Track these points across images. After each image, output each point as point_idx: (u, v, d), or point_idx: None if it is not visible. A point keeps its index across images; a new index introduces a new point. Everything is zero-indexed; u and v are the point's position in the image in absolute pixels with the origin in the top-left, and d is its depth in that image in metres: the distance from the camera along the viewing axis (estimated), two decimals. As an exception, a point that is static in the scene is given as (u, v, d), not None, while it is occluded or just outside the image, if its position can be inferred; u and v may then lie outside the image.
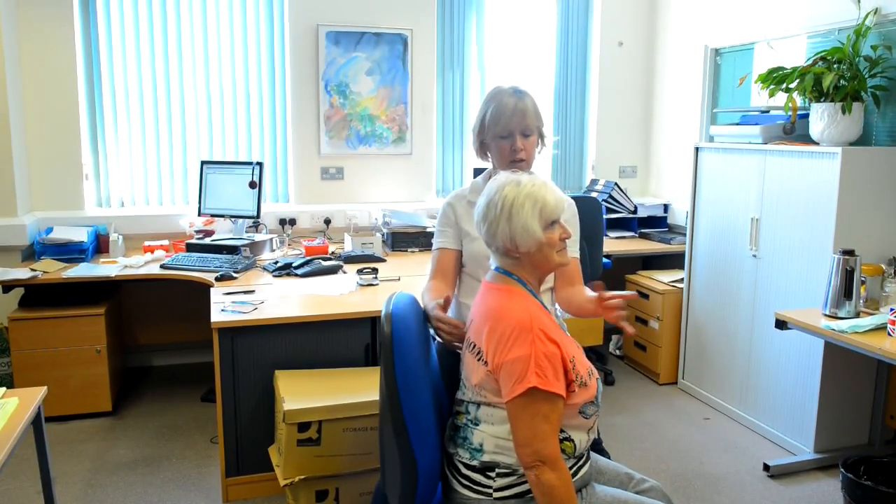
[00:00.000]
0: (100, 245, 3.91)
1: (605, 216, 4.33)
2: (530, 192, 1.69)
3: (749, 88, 3.91)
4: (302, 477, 2.43)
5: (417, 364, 1.68)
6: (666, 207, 4.73)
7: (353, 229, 4.30)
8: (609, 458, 2.19)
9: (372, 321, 2.85)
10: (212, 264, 3.45)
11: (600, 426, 2.98)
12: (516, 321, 1.62)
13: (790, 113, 3.29)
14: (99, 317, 3.41)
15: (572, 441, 1.67)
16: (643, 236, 4.59)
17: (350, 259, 3.69)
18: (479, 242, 1.87)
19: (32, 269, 3.43)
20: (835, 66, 3.09)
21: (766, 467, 3.05)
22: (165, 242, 3.90)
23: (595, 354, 4.26)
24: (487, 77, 4.67)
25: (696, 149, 3.81)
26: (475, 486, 1.68)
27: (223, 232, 4.04)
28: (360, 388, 2.56)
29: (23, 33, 3.83)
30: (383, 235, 4.14)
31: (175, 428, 3.42)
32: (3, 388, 2.08)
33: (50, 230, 3.77)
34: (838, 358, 3.04)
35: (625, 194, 4.65)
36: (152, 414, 3.58)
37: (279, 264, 3.45)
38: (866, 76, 3.08)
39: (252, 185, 3.87)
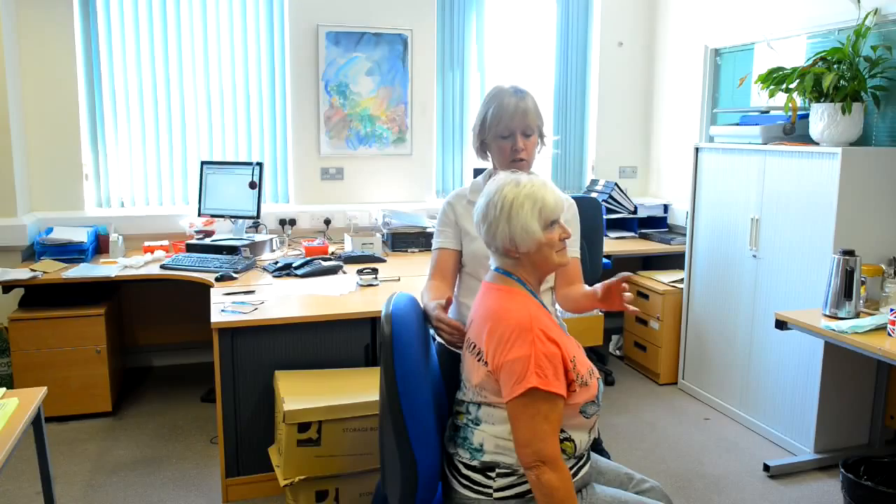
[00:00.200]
0: (100, 245, 3.91)
1: (605, 216, 4.33)
2: (530, 193, 1.69)
3: (749, 89, 3.91)
4: (302, 477, 2.43)
5: (417, 364, 1.68)
6: (666, 208, 4.73)
7: (353, 230, 4.30)
8: (609, 458, 2.19)
9: (372, 321, 2.85)
10: (212, 265, 3.45)
11: (600, 426, 2.98)
12: (516, 321, 1.62)
13: (790, 113, 3.29)
14: (99, 317, 3.41)
15: (573, 441, 1.67)
16: (643, 237, 4.59)
17: (350, 259, 3.69)
18: (479, 242, 1.87)
19: (32, 270, 3.43)
20: (835, 66, 3.09)
21: (767, 467, 3.05)
22: (165, 243, 3.90)
23: (595, 355, 4.26)
24: (487, 77, 4.67)
25: (696, 149, 3.81)
26: (475, 487, 1.68)
27: (223, 232, 4.04)
28: (360, 388, 2.56)
29: (23, 34, 3.83)
30: (383, 236, 4.14)
31: (175, 428, 3.42)
32: (3, 389, 2.08)
33: (50, 230, 3.77)
34: (838, 358, 3.04)
35: (625, 194, 4.65)
36: (152, 414, 3.58)
37: (279, 265, 3.45)
38: (866, 76, 3.08)
39: (252, 185, 3.87)
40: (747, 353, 3.49)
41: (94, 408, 3.46)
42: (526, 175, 1.76)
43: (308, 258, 3.58)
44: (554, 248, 1.72)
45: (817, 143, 3.17)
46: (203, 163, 4.02)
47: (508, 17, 4.70)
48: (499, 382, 1.62)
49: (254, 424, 2.79)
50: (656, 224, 4.71)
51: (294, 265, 3.43)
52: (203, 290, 3.33)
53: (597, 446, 2.60)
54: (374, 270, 3.29)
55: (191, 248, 3.74)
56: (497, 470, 1.67)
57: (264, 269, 3.48)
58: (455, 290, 2.09)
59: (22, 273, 3.39)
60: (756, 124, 3.47)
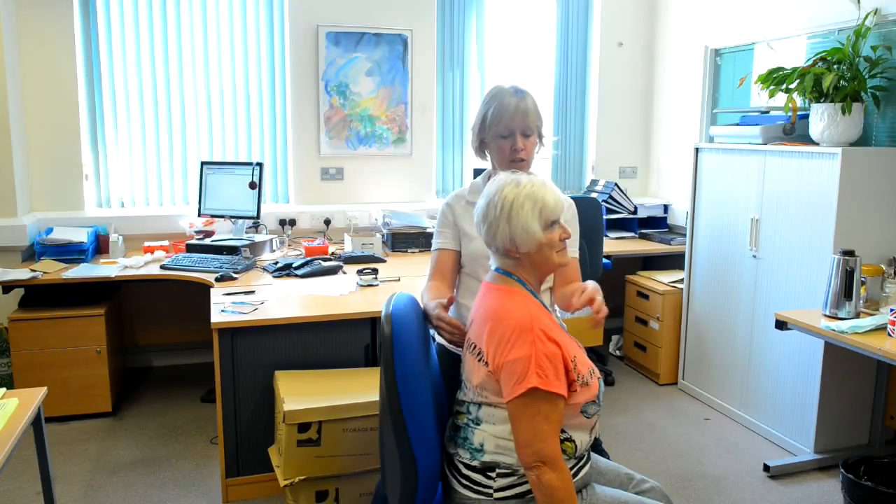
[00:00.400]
0: (100, 245, 3.91)
1: (605, 217, 4.33)
2: (530, 193, 1.69)
3: (749, 89, 3.91)
4: (302, 477, 2.43)
5: (417, 364, 1.68)
6: (666, 208, 4.73)
7: (353, 230, 4.30)
8: (609, 458, 2.19)
9: (372, 322, 2.85)
10: (212, 265, 3.45)
11: (600, 427, 2.98)
12: (516, 322, 1.62)
13: (790, 113, 3.29)
14: (99, 317, 3.41)
15: (573, 441, 1.67)
16: (643, 237, 4.59)
17: (350, 259, 3.69)
18: (478, 242, 1.87)
19: (32, 270, 3.43)
20: (835, 66, 3.09)
21: (767, 468, 3.05)
22: (165, 243, 3.90)
23: (595, 355, 4.26)
24: (487, 77, 4.67)
25: (696, 149, 3.81)
26: (475, 487, 1.68)
27: (223, 232, 4.04)
28: (360, 388, 2.56)
29: (23, 34, 3.83)
30: (383, 236, 4.14)
31: (175, 428, 3.42)
32: (3, 389, 2.08)
33: (50, 231, 3.77)
34: (838, 358, 3.04)
35: (625, 195, 4.65)
36: (152, 414, 3.58)
37: (279, 265, 3.45)
38: (866, 77, 3.08)
39: (252, 185, 3.87)
40: (747, 354, 3.49)
41: (94, 408, 3.46)
42: (526, 175, 1.76)
43: (308, 258, 3.58)
44: (554, 248, 1.72)
45: (817, 144, 3.17)
46: (203, 163, 4.02)
47: (508, 17, 4.70)
48: (499, 382, 1.62)
49: (254, 424, 2.79)
50: (656, 224, 4.71)
51: (294, 265, 3.43)
52: (203, 290, 3.33)
53: (597, 447, 2.60)
54: (374, 271, 3.29)
55: (191, 249, 3.74)
56: (497, 470, 1.67)
57: (264, 269, 3.48)
58: (455, 290, 2.09)
59: (22, 273, 3.39)
60: (756, 124, 3.47)
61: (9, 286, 3.37)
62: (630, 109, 4.95)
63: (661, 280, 4.11)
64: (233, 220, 3.97)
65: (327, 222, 4.34)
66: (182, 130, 4.20)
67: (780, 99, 3.34)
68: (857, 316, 2.76)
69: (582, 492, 1.72)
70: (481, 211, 1.74)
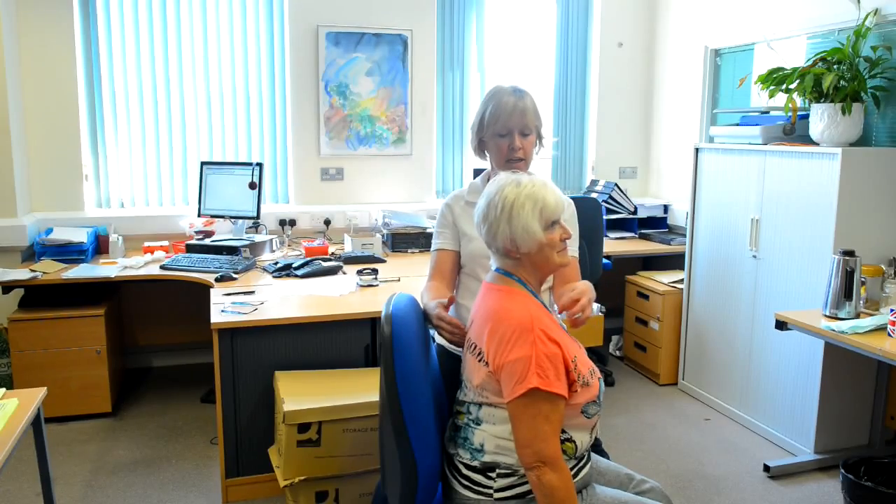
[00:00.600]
0: (100, 246, 3.91)
1: (605, 217, 4.33)
2: (530, 193, 1.69)
3: (749, 89, 3.91)
4: (302, 478, 2.43)
5: (417, 365, 1.68)
6: (666, 208, 4.73)
7: (353, 230, 4.30)
8: (609, 458, 2.19)
9: (372, 322, 2.85)
10: (212, 265, 3.45)
11: (600, 427, 2.98)
12: (517, 322, 1.62)
13: (790, 114, 3.29)
14: (99, 318, 3.41)
15: (574, 442, 1.67)
16: (643, 237, 4.59)
17: (350, 260, 3.69)
18: (477, 243, 1.87)
19: (32, 270, 3.43)
20: (835, 66, 3.09)
21: (767, 468, 3.05)
22: (165, 243, 3.90)
23: (595, 355, 4.26)
24: (487, 77, 4.67)
25: (696, 149, 3.81)
26: (476, 487, 1.68)
27: (223, 233, 4.04)
28: (360, 388, 2.56)
29: (23, 34, 3.83)
30: (383, 236, 4.14)
31: (175, 429, 3.42)
32: (3, 389, 2.08)
33: (50, 231, 3.77)
34: (838, 359, 3.04)
35: (625, 195, 4.65)
36: (152, 415, 3.58)
37: (279, 265, 3.45)
38: (866, 77, 3.08)
39: (252, 185, 3.87)
40: (747, 354, 3.49)
41: (94, 408, 3.46)
42: (527, 175, 1.76)
43: (308, 258, 3.58)
44: (555, 248, 1.72)
45: (817, 144, 3.17)
46: (203, 163, 4.02)
47: (508, 17, 4.70)
48: (500, 383, 1.61)
49: (254, 425, 2.79)
50: (656, 224, 4.71)
51: (294, 265, 3.43)
52: (203, 290, 3.33)
53: (597, 447, 2.60)
54: (374, 271, 3.29)
55: (191, 249, 3.74)
56: (497, 470, 1.67)
57: (264, 269, 3.48)
58: (454, 290, 2.09)
59: (22, 273, 3.38)
60: (756, 125, 3.47)
61: (9, 286, 3.37)
62: (630, 109, 4.95)
63: (661, 280, 4.11)
64: (233, 220, 3.97)
65: (327, 222, 4.34)
66: (182, 131, 4.20)
67: (780, 99, 3.34)
68: (858, 316, 2.76)
69: (582, 492, 1.72)
70: (482, 211, 1.74)
